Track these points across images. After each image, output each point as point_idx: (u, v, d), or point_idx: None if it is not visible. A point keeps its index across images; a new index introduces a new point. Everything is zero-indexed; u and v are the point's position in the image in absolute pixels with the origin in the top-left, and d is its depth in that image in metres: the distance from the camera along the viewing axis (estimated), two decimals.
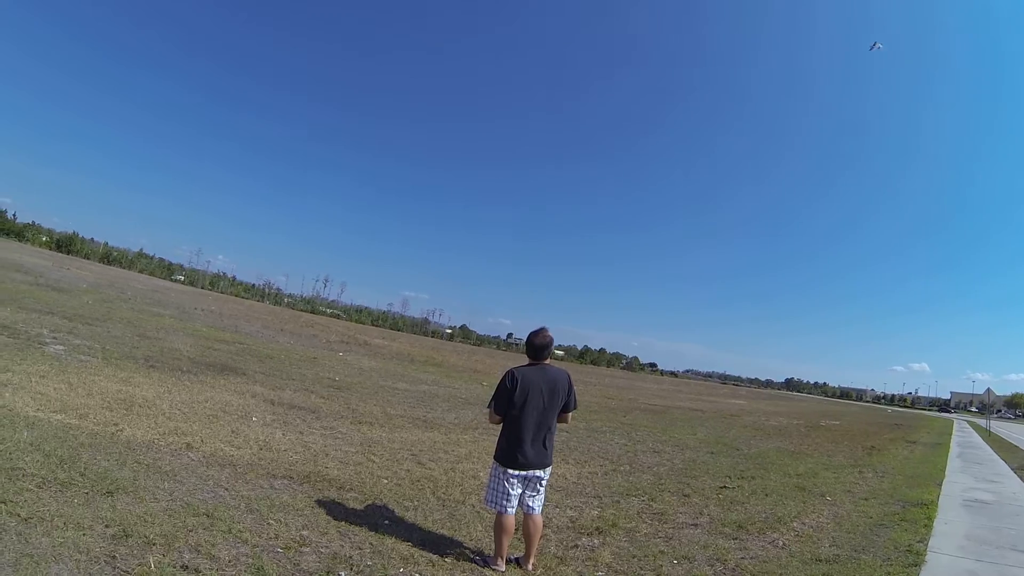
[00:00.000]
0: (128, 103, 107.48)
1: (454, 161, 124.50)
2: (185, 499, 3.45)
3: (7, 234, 44.48)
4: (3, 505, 2.83)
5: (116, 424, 4.77)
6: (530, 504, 3.15)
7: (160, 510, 3.22)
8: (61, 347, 7.67)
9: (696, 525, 4.47)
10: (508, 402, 3.05)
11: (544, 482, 3.15)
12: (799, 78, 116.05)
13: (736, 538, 4.18)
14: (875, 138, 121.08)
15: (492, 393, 3.14)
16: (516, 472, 3.06)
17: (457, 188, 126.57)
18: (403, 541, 3.38)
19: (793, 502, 5.50)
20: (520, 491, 3.10)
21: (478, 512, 4.04)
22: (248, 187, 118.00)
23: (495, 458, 3.18)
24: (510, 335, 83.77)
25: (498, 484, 3.13)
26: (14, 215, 52.40)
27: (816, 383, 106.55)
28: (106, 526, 2.90)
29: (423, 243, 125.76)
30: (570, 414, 3.26)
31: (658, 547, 3.81)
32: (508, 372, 3.14)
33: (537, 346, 3.19)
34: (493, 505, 3.16)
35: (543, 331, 3.18)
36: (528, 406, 3.04)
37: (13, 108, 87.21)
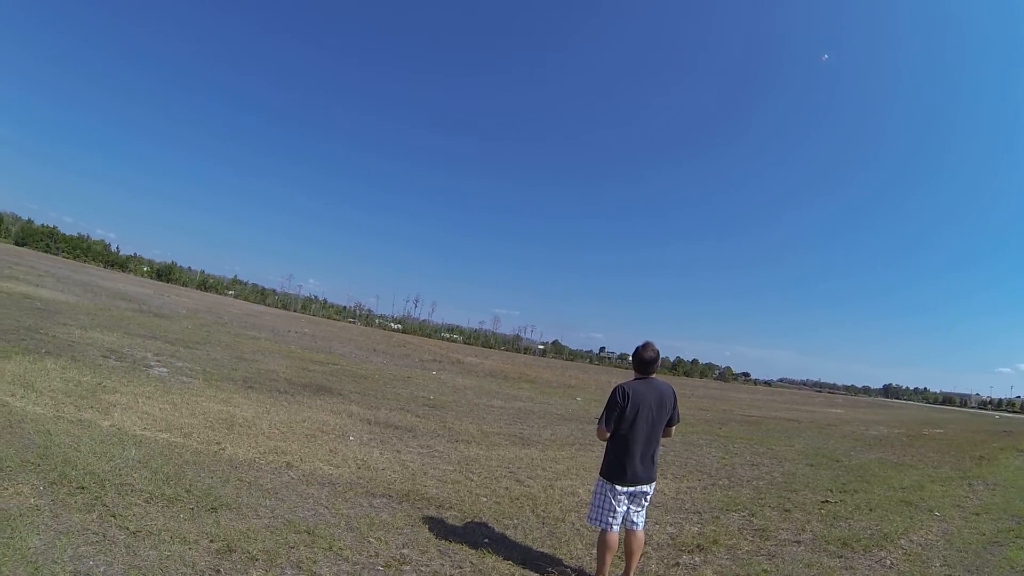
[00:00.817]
0: (218, 138, 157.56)
1: (538, 178, 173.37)
2: (286, 516, 4.79)
3: (112, 265, 64.53)
4: (113, 519, 4.12)
5: (219, 443, 6.76)
6: (634, 520, 4.35)
7: (262, 527, 4.48)
8: (164, 370, 11.20)
9: (799, 542, 5.81)
10: (619, 418, 4.22)
11: (649, 497, 4.42)
12: (886, 70, 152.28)
13: (841, 556, 5.43)
14: (968, 134, 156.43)
15: (602, 409, 4.34)
16: (624, 488, 4.25)
17: (541, 204, 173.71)
18: (504, 560, 4.61)
19: (899, 517, 7.11)
20: (626, 508, 4.31)
21: (578, 529, 5.57)
22: (337, 214, 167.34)
23: (602, 474, 4.40)
24: (602, 349, 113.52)
25: (604, 501, 4.31)
26: (117, 248, 78.70)
27: (916, 389, 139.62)
28: (211, 541, 4.08)
29: (513, 260, 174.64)
30: (673, 428, 4.50)
31: (761, 566, 5.03)
32: (618, 387, 4.31)
33: (647, 360, 4.36)
34: (597, 522, 4.34)
35: (651, 345, 4.39)
36: (638, 421, 4.21)
37: (114, 146, 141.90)
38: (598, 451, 9.51)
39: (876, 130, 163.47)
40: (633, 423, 4.21)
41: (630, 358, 4.59)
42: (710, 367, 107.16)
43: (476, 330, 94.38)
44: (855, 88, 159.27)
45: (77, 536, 3.78)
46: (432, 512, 5.53)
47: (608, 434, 4.29)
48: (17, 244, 66.04)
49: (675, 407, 4.44)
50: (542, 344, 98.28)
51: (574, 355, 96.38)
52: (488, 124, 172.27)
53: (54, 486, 4.47)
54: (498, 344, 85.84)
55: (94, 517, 4.10)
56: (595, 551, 4.60)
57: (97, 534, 3.86)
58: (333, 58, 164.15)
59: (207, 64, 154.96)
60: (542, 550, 4.95)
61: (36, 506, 4.06)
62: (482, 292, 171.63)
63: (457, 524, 5.30)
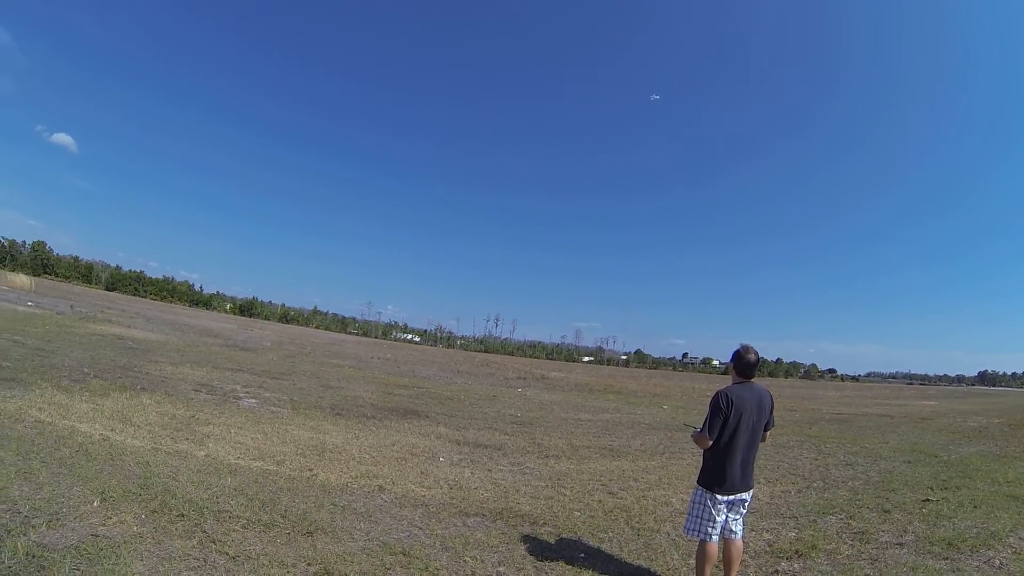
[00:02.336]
0: (291, 178, 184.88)
1: (608, 190, 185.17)
2: (381, 539, 5.11)
3: (196, 304, 71.64)
4: (213, 544, 4.49)
5: (311, 469, 7.18)
6: (733, 528, 4.48)
7: (358, 549, 4.79)
8: (254, 400, 12.21)
9: (901, 544, 5.86)
10: (722, 425, 4.32)
11: (747, 505, 4.56)
12: (963, 52, 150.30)
13: (947, 558, 5.48)
14: None
15: (698, 416, 4.39)
16: (723, 497, 4.36)
17: (614, 216, 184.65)
18: (600, 574, 4.86)
19: (1006, 514, 7.10)
20: (724, 517, 4.41)
21: (674, 540, 5.74)
22: (413, 241, 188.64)
23: (700, 483, 4.50)
24: (685, 355, 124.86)
25: (703, 511, 4.41)
26: (201, 287, 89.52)
27: (1015, 374, 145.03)
28: (308, 564, 4.33)
29: (591, 273, 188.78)
30: (769, 433, 4.65)
31: (863, 570, 5.14)
32: (720, 394, 4.40)
33: (749, 363, 4.49)
34: (696, 533, 4.44)
35: (751, 348, 4.52)
36: (740, 427, 4.33)
37: (191, 193, 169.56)
38: (689, 459, 10.25)
39: (960, 103, 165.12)
40: (735, 430, 4.32)
41: (729, 362, 4.71)
42: (795, 366, 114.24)
43: (558, 345, 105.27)
44: (935, 69, 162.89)
45: (179, 562, 4.08)
46: (526, 529, 5.80)
47: (711, 442, 4.37)
48: (108, 289, 74.27)
49: (773, 411, 4.59)
50: (625, 354, 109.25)
51: (657, 363, 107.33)
52: (552, 143, 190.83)
53: (155, 514, 4.86)
54: (581, 357, 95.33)
55: (195, 543, 4.43)
56: (692, 562, 4.79)
57: (198, 559, 4.16)
58: (397, 94, 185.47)
59: (276, 111, 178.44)
60: (638, 563, 5.13)
61: (139, 534, 4.42)
62: (562, 307, 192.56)
63: (551, 540, 5.53)
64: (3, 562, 3.66)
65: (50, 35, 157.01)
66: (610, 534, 5.83)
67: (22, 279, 45.67)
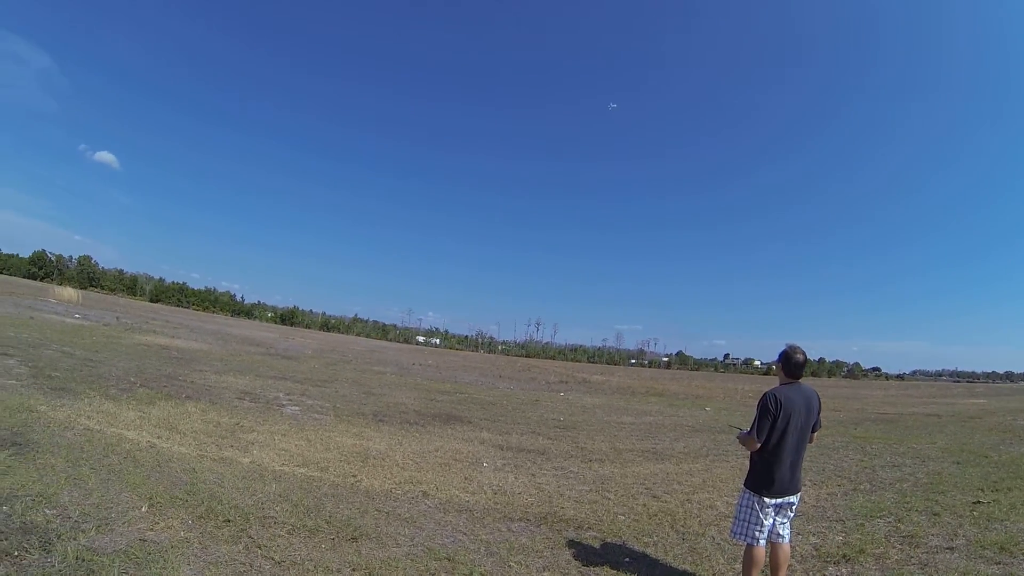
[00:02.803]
0: (329, 189, 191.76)
1: (646, 192, 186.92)
2: (426, 544, 5.21)
3: (238, 314, 74.39)
4: (259, 550, 4.60)
5: (355, 475, 7.31)
6: (780, 532, 4.53)
7: (402, 555, 4.89)
8: (296, 408, 12.47)
9: (951, 548, 5.84)
10: (771, 427, 4.38)
11: (795, 508, 4.62)
12: (1001, 47, 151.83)
13: (1000, 563, 5.48)
14: None
15: (753, 418, 4.50)
16: (771, 500, 4.41)
17: (653, 217, 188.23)
18: None
19: None
20: (772, 520, 4.47)
21: (719, 544, 5.79)
22: (453, 248, 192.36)
23: (747, 486, 4.55)
24: (727, 356, 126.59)
25: (750, 514, 4.46)
26: (242, 297, 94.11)
27: None
28: (353, 570, 4.41)
29: (631, 276, 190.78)
30: (816, 434, 4.69)
31: (913, 575, 5.18)
32: (769, 395, 4.46)
33: (798, 363, 4.53)
34: (743, 537, 4.49)
35: (799, 347, 4.58)
36: (789, 429, 4.39)
37: (231, 206, 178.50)
38: (734, 462, 10.39)
39: (1002, 95, 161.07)
40: (784, 431, 4.37)
41: (776, 362, 4.74)
42: (838, 365, 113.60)
43: (599, 348, 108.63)
44: (972, 63, 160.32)
45: (225, 566, 4.17)
46: (571, 534, 5.88)
47: (759, 444, 4.42)
48: (152, 301, 77.59)
49: (819, 412, 4.64)
50: (666, 356, 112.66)
51: (699, 364, 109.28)
52: (590, 145, 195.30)
53: (202, 520, 4.99)
54: (622, 360, 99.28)
55: (240, 548, 4.53)
56: (738, 566, 4.90)
57: (244, 564, 4.25)
58: (434, 103, 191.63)
59: (314, 123, 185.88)
60: (683, 567, 5.20)
61: (186, 538, 4.54)
62: (603, 310, 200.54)
63: (596, 545, 5.61)
64: (54, 565, 3.77)
65: (90, 57, 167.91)
66: (655, 538, 5.90)
67: (70, 292, 47.65)
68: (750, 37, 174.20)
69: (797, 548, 5.60)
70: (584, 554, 5.29)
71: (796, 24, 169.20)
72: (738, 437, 4.64)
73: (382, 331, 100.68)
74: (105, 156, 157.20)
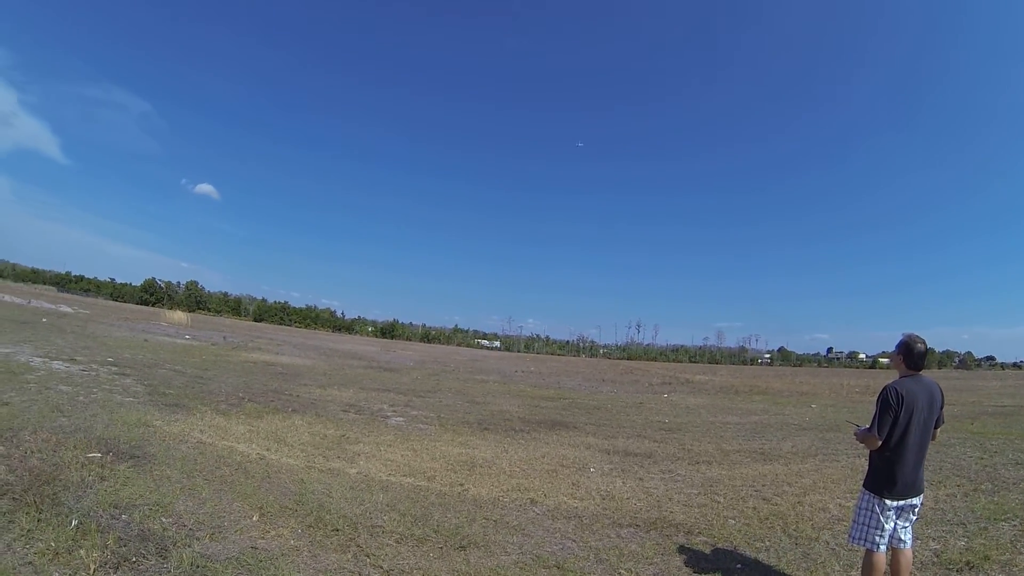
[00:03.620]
0: (429, 204, 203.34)
1: (737, 187, 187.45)
2: (534, 552, 5.32)
3: (339, 329, 78.92)
4: (367, 558, 4.77)
5: (461, 484, 7.47)
6: (901, 537, 4.40)
7: (511, 563, 4.99)
8: (401, 419, 12.93)
9: None
10: (893, 423, 4.28)
11: (918, 511, 4.50)
12: None
13: None
14: None
15: (873, 413, 4.40)
16: (893, 502, 4.30)
17: (749, 210, 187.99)
18: None
19: None
20: (893, 524, 4.36)
21: (833, 549, 5.72)
22: (551, 254, 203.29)
23: (867, 487, 4.44)
24: (830, 350, 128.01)
25: (870, 518, 4.34)
26: (342, 313, 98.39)
27: None
28: None
29: (733, 271, 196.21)
30: (939, 430, 4.56)
31: None
32: (890, 388, 4.37)
33: (921, 353, 4.43)
34: (862, 542, 4.37)
35: (919, 336, 4.48)
36: (911, 425, 4.27)
37: (331, 227, 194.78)
38: (844, 461, 10.31)
39: None
40: (906, 427, 4.26)
41: (895, 353, 4.61)
42: (948, 355, 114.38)
43: (701, 347, 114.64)
44: None
45: (335, 574, 4.32)
46: (681, 539, 5.92)
47: (879, 442, 4.30)
48: (256, 320, 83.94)
49: (942, 407, 4.51)
50: (768, 353, 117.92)
51: (801, 360, 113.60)
52: (686, 140, 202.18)
53: (311, 529, 5.20)
54: (724, 359, 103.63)
55: (349, 557, 4.68)
56: (855, 574, 4.91)
57: (353, 572, 4.39)
58: (527, 111, 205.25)
59: (403, 139, 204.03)
60: (797, 574, 5.17)
61: (296, 547, 4.74)
62: (703, 308, 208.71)
63: (707, 550, 5.63)
64: (170, 571, 4.03)
65: (183, 98, 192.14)
66: (767, 543, 5.86)
67: (179, 315, 52.47)
68: (833, 21, 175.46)
69: (917, 554, 5.43)
70: (695, 560, 5.29)
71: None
72: (856, 434, 4.52)
73: (483, 340, 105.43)
74: (205, 188, 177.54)
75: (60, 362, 14.01)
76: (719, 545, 5.74)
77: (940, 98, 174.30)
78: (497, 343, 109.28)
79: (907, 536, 4.37)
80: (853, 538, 4.42)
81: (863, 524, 4.33)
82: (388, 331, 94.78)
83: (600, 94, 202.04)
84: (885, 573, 4.39)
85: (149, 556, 4.24)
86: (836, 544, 5.77)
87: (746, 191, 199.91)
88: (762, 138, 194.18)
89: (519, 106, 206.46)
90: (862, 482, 4.49)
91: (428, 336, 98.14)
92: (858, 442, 4.52)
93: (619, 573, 4.88)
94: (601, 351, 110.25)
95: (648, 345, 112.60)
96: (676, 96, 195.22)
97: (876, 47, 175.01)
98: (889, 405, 4.23)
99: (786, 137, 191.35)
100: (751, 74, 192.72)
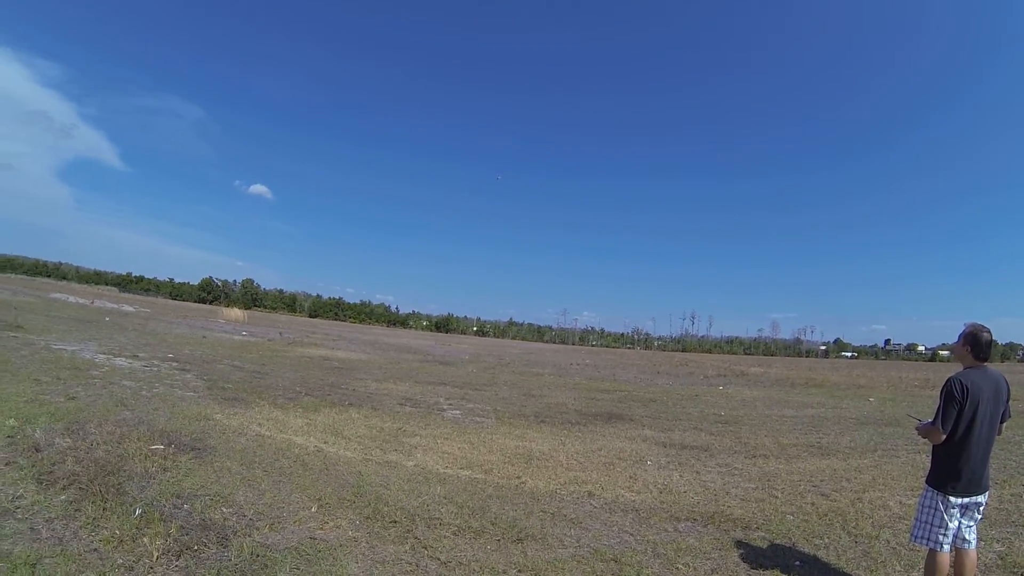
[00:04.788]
0: (482, 196, 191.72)
1: (786, 169, 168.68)
2: (592, 545, 5.37)
3: (393, 324, 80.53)
4: (425, 550, 4.86)
5: (518, 477, 7.55)
6: (966, 537, 4.31)
7: (568, 556, 5.04)
8: (457, 412, 13.14)
9: None
10: (958, 416, 4.18)
11: (983, 509, 4.43)
12: None
13: None
14: None
15: (937, 407, 4.31)
16: (958, 500, 4.21)
17: (805, 195, 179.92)
18: None
19: None
20: (958, 523, 4.27)
21: (894, 548, 5.67)
22: (606, 244, 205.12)
23: (930, 484, 4.36)
24: (887, 341, 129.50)
25: (933, 516, 4.26)
26: (397, 308, 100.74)
27: None
28: (519, 571, 4.56)
29: (785, 258, 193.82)
30: (1005, 424, 4.51)
31: None
32: (954, 380, 4.25)
33: (987, 343, 4.31)
34: (925, 541, 4.30)
35: (984, 326, 4.34)
36: (977, 418, 4.17)
37: (384, 222, 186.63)
38: (904, 457, 10.19)
39: None
40: (971, 421, 4.16)
41: (959, 344, 4.47)
42: (1011, 347, 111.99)
43: (755, 339, 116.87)
44: None
45: (392, 565, 4.40)
46: (738, 534, 5.94)
47: (944, 436, 4.21)
48: (311, 316, 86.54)
49: (1008, 399, 4.40)
50: (823, 344, 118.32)
51: (858, 351, 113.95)
52: (735, 123, 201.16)
53: (369, 520, 5.32)
54: (779, 350, 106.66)
55: (407, 548, 4.77)
56: (916, 574, 4.91)
57: (411, 564, 4.46)
58: (578, 97, 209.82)
59: (451, 130, 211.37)
60: (857, 573, 5.14)
61: (354, 538, 4.86)
62: (757, 298, 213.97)
63: (764, 546, 5.63)
64: (230, 559, 4.18)
65: (234, 103, 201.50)
66: (825, 540, 5.85)
67: (236, 312, 54.73)
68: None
69: (980, 556, 5.30)
70: (753, 556, 5.30)
71: None
72: (918, 428, 4.43)
73: (537, 333, 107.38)
74: (259, 188, 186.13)
75: (123, 359, 14.71)
76: (777, 541, 5.76)
77: (1001, 74, 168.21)
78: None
79: (972, 536, 4.28)
80: (916, 537, 4.35)
81: (926, 522, 4.26)
82: (443, 325, 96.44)
83: (650, 76, 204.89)
84: (948, 574, 4.31)
85: (210, 545, 4.40)
86: (897, 543, 5.71)
87: (801, 176, 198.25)
88: (820, 119, 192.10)
89: (568, 91, 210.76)
90: (924, 478, 4.42)
91: (483, 329, 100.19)
92: (920, 437, 4.44)
93: (677, 567, 4.91)
94: (655, 343, 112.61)
95: (702, 337, 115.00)
96: (731, 78, 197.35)
97: (929, 23, 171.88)
98: (954, 397, 4.16)
99: (846, 118, 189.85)
100: (804, 56, 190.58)
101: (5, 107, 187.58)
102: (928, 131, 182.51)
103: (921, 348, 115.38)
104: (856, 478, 8.52)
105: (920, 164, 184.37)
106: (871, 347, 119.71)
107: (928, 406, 18.83)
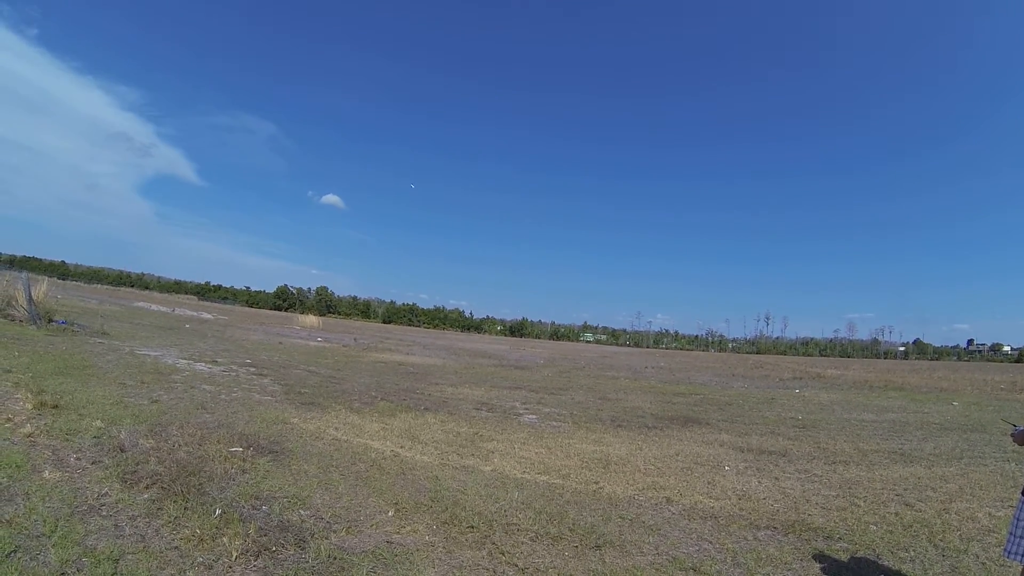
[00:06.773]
0: (555, 198, 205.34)
1: (865, 156, 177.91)
2: (670, 553, 5.39)
3: (467, 329, 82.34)
4: (502, 556, 4.88)
5: (596, 482, 7.53)
6: None
7: (646, 563, 5.05)
8: (533, 416, 13.20)
9: None
10: None
11: None
12: None
13: None
14: None
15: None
16: None
17: (878, 186, 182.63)
18: None
19: None
20: None
21: (983, 563, 5.51)
22: (681, 245, 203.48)
23: None
24: (971, 342, 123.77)
25: None
26: (471, 313, 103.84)
27: None
28: None
29: (862, 255, 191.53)
30: None
31: None
32: None
33: None
34: (1020, 557, 3.97)
35: None
36: None
37: (456, 227, 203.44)
38: (992, 466, 9.88)
39: None
40: None
41: None
42: None
43: (831, 340, 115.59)
44: None
45: (469, 571, 4.42)
46: (819, 544, 5.86)
47: None
48: (384, 322, 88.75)
49: None
50: (902, 345, 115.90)
51: (939, 353, 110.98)
52: (807, 117, 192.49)
53: (446, 525, 5.36)
54: (856, 352, 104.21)
55: (484, 554, 4.79)
56: None
57: (488, 570, 4.47)
58: (648, 99, 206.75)
59: (525, 135, 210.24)
60: None
61: (431, 543, 4.91)
62: (833, 297, 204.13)
63: (846, 558, 5.54)
64: (308, 562, 4.29)
65: (305, 117, 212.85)
66: (911, 553, 5.75)
67: (311, 319, 56.93)
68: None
69: None
70: (834, 568, 5.25)
71: None
72: (1013, 435, 4.23)
73: (612, 336, 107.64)
74: (331, 198, 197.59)
75: (203, 364, 15.37)
76: (860, 553, 5.66)
77: None
78: (597, 336, 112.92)
79: None
80: (1009, 552, 4.05)
81: (1021, 536, 3.98)
82: (517, 329, 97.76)
83: (712, 73, 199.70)
84: None
85: (288, 546, 4.52)
86: (987, 557, 5.57)
87: (878, 169, 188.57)
88: (905, 101, 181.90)
89: (639, 94, 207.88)
90: (1020, 489, 4.27)
91: (557, 333, 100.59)
92: (1017, 444, 4.23)
93: None
94: (730, 345, 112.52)
95: (777, 338, 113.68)
96: (792, 71, 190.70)
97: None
98: None
99: (923, 105, 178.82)
100: (885, 43, 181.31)
101: (90, 132, 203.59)
102: (1011, 112, 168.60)
103: (1007, 348, 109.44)
104: (941, 487, 8.37)
105: (1007, 150, 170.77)
106: (953, 347, 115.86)
107: (1018, 411, 18.03)
